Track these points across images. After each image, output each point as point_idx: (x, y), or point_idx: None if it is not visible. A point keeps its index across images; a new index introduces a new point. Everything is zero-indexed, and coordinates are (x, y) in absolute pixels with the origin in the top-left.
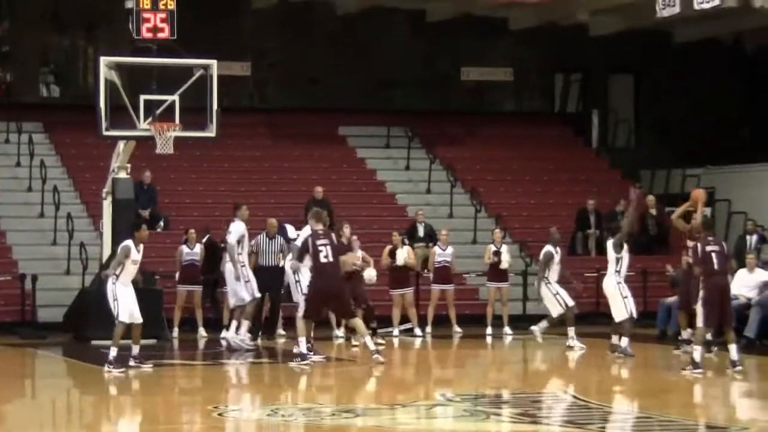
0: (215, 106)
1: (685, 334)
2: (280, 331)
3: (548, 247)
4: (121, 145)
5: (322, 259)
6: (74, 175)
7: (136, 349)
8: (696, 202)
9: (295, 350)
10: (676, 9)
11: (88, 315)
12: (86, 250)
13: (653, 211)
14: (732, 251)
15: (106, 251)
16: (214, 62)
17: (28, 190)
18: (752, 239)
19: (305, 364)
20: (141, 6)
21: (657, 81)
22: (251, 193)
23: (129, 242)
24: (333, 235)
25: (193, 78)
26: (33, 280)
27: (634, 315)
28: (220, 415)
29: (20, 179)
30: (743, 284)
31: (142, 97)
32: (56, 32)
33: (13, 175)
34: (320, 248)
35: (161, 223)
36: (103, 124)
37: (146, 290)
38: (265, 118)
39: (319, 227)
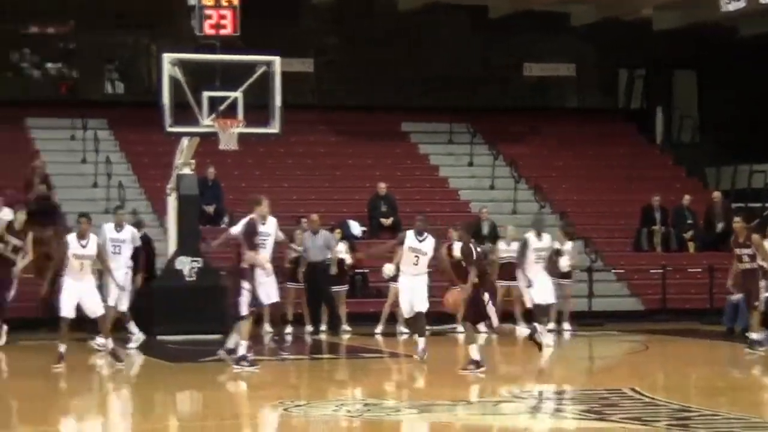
0: (278, 103)
1: (755, 335)
2: (345, 327)
3: None
4: (185, 141)
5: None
6: (139, 171)
7: (107, 340)
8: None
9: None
10: (742, 3)
11: (154, 311)
12: (152, 246)
13: (719, 209)
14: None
15: (171, 247)
16: (277, 59)
17: (93, 186)
18: None
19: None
20: (204, 3)
21: (721, 76)
22: (315, 189)
23: (70, 236)
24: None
25: (256, 75)
26: (99, 276)
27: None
28: (285, 410)
29: (85, 175)
30: None
31: (206, 94)
32: (120, 30)
33: (78, 172)
34: None
35: (225, 219)
36: (168, 121)
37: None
38: (328, 114)
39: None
